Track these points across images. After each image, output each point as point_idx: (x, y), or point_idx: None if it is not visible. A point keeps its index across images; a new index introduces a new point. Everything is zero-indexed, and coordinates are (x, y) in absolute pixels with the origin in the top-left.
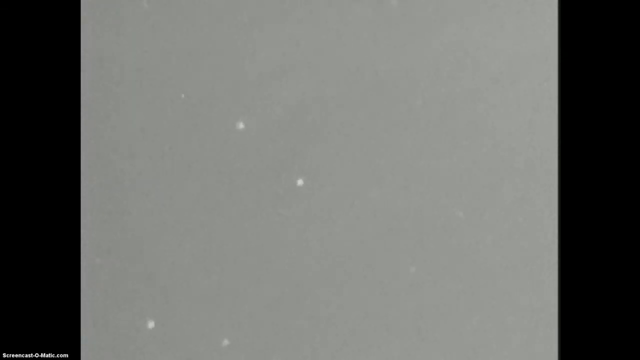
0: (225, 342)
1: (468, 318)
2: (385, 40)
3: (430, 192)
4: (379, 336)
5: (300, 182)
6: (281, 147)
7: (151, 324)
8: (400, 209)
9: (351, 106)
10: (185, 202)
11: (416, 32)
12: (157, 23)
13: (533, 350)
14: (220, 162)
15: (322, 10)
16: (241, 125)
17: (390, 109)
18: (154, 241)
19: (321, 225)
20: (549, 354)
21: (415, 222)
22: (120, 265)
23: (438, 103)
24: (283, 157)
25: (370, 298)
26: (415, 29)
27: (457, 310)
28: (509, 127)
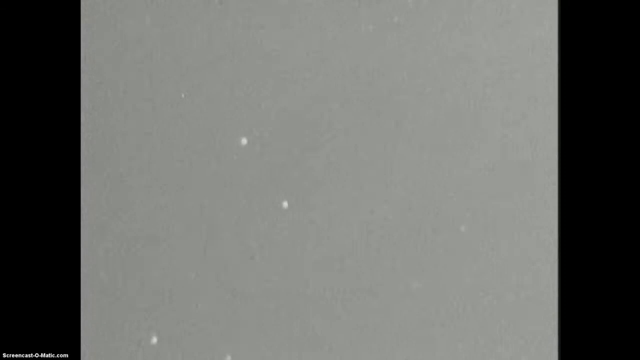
0: (228, 358)
1: (469, 329)
2: (383, 51)
3: (430, 201)
4: (377, 346)
5: (285, 204)
6: (283, 152)
7: (154, 340)
8: (400, 219)
9: (348, 118)
10: (188, 213)
11: (414, 42)
12: (157, 23)
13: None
14: (223, 165)
15: (322, 16)
16: (244, 141)
17: (389, 121)
18: (154, 252)
19: (322, 240)
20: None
21: (416, 233)
22: (122, 275)
23: (436, 116)
24: (285, 162)
25: (370, 310)
26: (414, 37)
27: (458, 323)
28: (509, 131)
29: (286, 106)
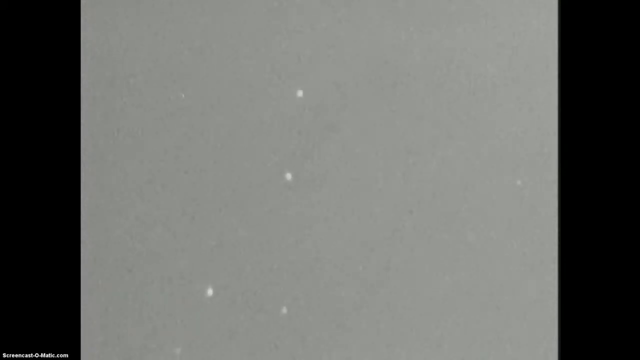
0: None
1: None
2: (394, 46)
3: (433, 193)
4: (380, 339)
5: (289, 176)
6: (287, 146)
7: (177, 350)
8: (403, 213)
9: (358, 109)
10: (185, 202)
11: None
12: (157, 23)
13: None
14: (224, 162)
15: (324, 14)
16: (300, 94)
17: (398, 110)
18: (155, 252)
19: (340, 223)
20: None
21: (419, 224)
22: (123, 275)
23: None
24: (292, 154)
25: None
26: (418, 32)
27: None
28: (512, 128)
29: (295, 100)
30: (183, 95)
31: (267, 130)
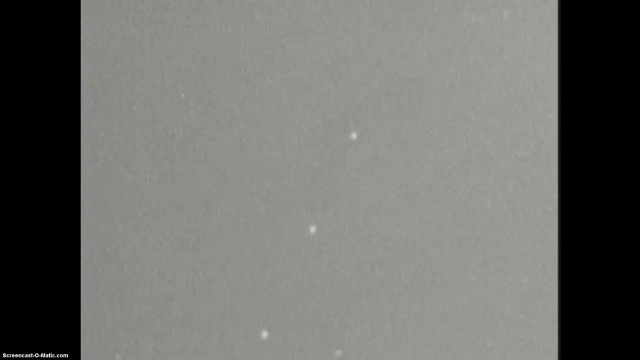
0: (338, 353)
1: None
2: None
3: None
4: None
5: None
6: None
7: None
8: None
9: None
10: (184, 203)
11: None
12: (158, 23)
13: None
14: (224, 163)
15: (329, 17)
16: (354, 136)
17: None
18: (156, 253)
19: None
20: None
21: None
22: (123, 275)
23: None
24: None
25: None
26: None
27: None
28: (512, 130)
29: (308, 115)
30: (183, 95)
31: (284, 142)
